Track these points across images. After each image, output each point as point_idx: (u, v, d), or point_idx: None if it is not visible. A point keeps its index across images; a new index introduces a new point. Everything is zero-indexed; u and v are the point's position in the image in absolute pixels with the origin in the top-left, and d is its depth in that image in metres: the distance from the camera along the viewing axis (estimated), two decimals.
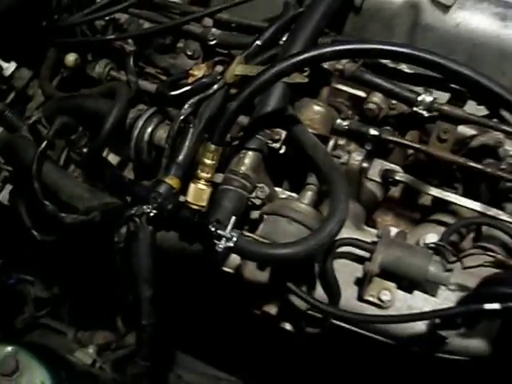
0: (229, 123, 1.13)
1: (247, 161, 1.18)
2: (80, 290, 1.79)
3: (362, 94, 1.43)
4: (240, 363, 1.91)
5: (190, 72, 1.31)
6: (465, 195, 1.33)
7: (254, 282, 1.19)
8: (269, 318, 1.25)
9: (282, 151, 1.21)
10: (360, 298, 1.20)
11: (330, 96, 1.44)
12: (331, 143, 1.28)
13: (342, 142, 1.37)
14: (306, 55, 1.04)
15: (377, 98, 1.41)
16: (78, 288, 1.79)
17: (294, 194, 1.26)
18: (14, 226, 1.41)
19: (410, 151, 1.47)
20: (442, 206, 1.39)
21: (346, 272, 1.22)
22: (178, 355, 1.92)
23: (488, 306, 1.02)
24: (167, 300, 1.48)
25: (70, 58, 1.43)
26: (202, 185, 1.12)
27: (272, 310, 1.23)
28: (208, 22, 1.48)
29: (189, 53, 1.50)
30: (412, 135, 1.45)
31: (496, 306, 1.01)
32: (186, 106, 1.22)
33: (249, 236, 1.09)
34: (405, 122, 1.42)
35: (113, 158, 1.44)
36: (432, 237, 1.28)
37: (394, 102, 1.40)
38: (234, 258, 1.23)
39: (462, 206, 1.29)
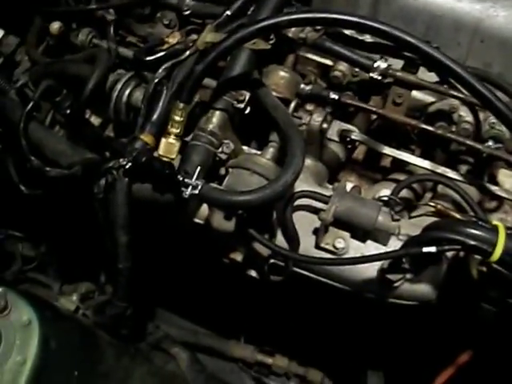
0: (195, 83, 1.23)
1: (214, 119, 1.28)
2: (66, 247, 1.89)
3: (329, 62, 1.52)
4: (219, 318, 2.02)
5: (165, 39, 1.42)
6: (422, 157, 1.43)
7: (221, 231, 1.30)
8: (236, 265, 1.37)
9: (247, 111, 1.31)
10: (317, 246, 1.31)
11: (299, 64, 1.54)
12: (292, 105, 1.37)
13: (308, 106, 1.47)
14: (263, 23, 1.15)
15: (342, 66, 1.50)
16: (64, 245, 1.89)
17: (258, 152, 1.36)
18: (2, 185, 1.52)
19: (374, 117, 1.57)
20: (399, 166, 1.50)
21: (305, 223, 1.32)
22: (157, 311, 2.03)
23: (426, 249, 1.13)
24: (147, 254, 1.60)
25: (55, 26, 1.52)
26: (172, 139, 1.23)
27: (238, 257, 1.35)
28: None
29: (165, 22, 1.60)
30: (375, 101, 1.54)
31: (432, 249, 1.13)
32: (160, 70, 1.33)
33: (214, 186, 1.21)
34: (366, 88, 1.52)
35: (95, 120, 1.54)
36: (385, 192, 1.39)
37: (356, 69, 1.50)
38: (204, 210, 1.34)
39: (412, 164, 1.39)
